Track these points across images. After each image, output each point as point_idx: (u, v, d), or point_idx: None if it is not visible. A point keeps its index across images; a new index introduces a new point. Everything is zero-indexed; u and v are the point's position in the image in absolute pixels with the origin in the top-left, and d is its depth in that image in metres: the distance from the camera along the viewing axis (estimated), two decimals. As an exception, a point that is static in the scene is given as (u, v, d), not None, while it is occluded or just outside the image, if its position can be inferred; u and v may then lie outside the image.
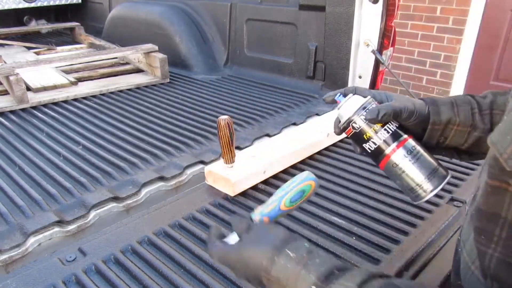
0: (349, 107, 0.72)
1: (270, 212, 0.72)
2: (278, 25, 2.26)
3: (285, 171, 1.37)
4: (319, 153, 1.48)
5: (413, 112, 0.70)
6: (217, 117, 1.24)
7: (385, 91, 0.76)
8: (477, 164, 1.38)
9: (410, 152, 0.70)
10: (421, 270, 0.97)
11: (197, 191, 1.28)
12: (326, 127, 1.53)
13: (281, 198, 0.71)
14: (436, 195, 1.21)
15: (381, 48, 1.84)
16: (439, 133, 0.72)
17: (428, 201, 1.17)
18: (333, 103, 0.77)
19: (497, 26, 3.73)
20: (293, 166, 1.40)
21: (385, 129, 0.70)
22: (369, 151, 0.72)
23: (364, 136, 0.71)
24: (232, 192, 1.22)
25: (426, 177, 0.69)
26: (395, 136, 0.70)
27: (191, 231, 1.07)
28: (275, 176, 1.33)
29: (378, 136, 0.70)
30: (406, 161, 0.69)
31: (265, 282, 0.60)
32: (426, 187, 0.70)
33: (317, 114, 1.86)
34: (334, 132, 0.78)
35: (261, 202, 1.20)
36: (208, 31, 2.62)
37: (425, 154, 0.70)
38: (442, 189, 1.16)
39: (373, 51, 1.83)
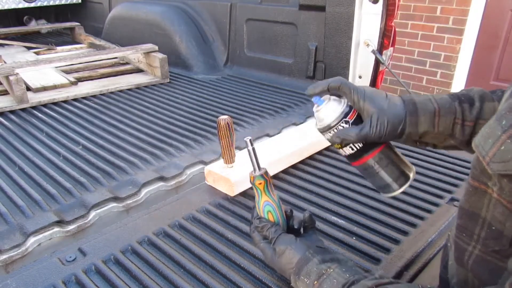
0: (325, 116, 0.73)
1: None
2: (278, 25, 2.25)
3: (285, 171, 1.36)
4: (319, 153, 1.48)
5: (382, 135, 0.70)
6: (217, 117, 1.24)
7: (371, 92, 0.73)
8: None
9: (379, 160, 0.74)
10: (421, 270, 0.97)
11: (197, 191, 1.28)
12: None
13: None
14: (436, 195, 1.22)
15: (381, 48, 1.84)
16: (415, 139, 0.73)
17: (428, 201, 1.19)
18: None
19: (497, 26, 3.73)
20: (293, 166, 1.40)
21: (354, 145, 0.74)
22: (343, 154, 0.77)
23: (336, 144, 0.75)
24: (232, 192, 1.22)
25: (393, 180, 0.76)
26: (366, 148, 0.74)
27: (191, 231, 1.07)
28: (275, 176, 1.33)
29: (346, 149, 0.75)
30: (376, 167, 0.75)
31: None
32: (394, 187, 0.77)
33: (317, 114, 1.85)
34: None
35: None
36: (208, 31, 2.62)
37: (392, 163, 0.75)
38: (442, 189, 1.19)
39: (373, 51, 1.83)
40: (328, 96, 0.74)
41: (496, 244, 0.51)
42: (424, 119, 0.70)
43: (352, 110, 0.72)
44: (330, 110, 0.72)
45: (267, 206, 0.82)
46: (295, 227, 0.82)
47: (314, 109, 0.75)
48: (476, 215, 0.53)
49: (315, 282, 0.66)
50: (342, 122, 0.71)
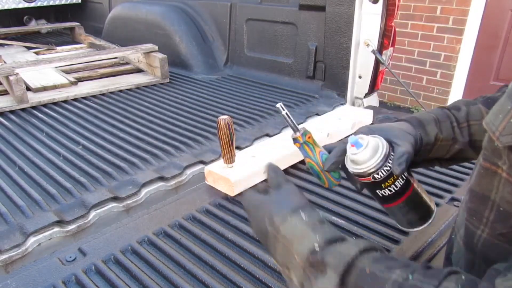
0: (370, 157, 0.72)
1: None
2: (278, 25, 2.25)
3: (285, 171, 1.37)
4: (319, 153, 1.48)
5: (415, 149, 0.74)
6: (217, 117, 1.24)
7: (386, 129, 0.76)
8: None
9: (412, 199, 0.77)
10: (421, 270, 0.97)
11: (197, 191, 1.28)
12: (326, 127, 1.53)
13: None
14: (436, 195, 1.22)
15: (381, 48, 1.84)
16: (428, 151, 0.78)
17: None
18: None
19: (497, 26, 3.73)
20: (293, 166, 1.40)
21: (401, 177, 0.75)
22: (382, 195, 0.77)
23: (383, 184, 0.75)
24: (232, 192, 1.22)
25: (420, 217, 0.80)
26: (407, 183, 0.76)
27: (191, 231, 1.07)
28: (275, 176, 1.33)
29: (395, 184, 0.75)
30: (406, 209, 0.78)
31: (271, 240, 0.64)
32: (420, 223, 0.81)
33: (317, 114, 1.86)
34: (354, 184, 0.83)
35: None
36: (208, 31, 2.62)
37: (424, 199, 0.80)
38: (442, 189, 1.19)
39: (373, 51, 1.83)
40: (363, 136, 0.74)
41: (503, 226, 0.52)
42: (430, 127, 0.76)
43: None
44: (374, 147, 0.72)
45: (323, 155, 0.83)
46: None
47: (349, 151, 0.74)
48: (487, 197, 0.53)
49: (316, 222, 0.61)
50: (388, 162, 0.72)
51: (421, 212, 0.80)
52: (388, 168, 0.72)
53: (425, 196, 0.80)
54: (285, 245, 0.61)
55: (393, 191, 0.75)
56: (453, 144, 0.77)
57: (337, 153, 0.78)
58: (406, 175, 0.76)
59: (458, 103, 0.81)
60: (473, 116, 0.77)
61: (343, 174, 0.83)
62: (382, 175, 0.73)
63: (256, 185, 0.79)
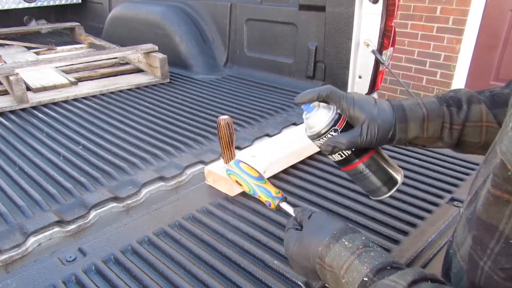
0: (314, 123, 0.74)
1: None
2: (278, 25, 2.25)
3: (285, 171, 1.37)
4: (319, 153, 1.48)
5: (372, 142, 0.71)
6: (217, 117, 1.24)
7: (361, 99, 0.73)
8: (477, 164, 1.38)
9: (369, 166, 0.76)
10: (421, 270, 0.97)
11: (197, 191, 1.28)
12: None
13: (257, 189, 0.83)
14: (436, 195, 1.22)
15: (381, 48, 1.84)
16: (404, 143, 0.74)
17: (428, 201, 1.19)
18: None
19: (497, 26, 3.73)
20: (293, 166, 1.40)
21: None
22: (333, 160, 0.77)
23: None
24: (232, 192, 1.22)
25: (382, 184, 0.77)
26: (356, 154, 0.75)
27: (191, 231, 1.07)
28: (275, 176, 1.33)
29: (335, 155, 0.75)
30: (365, 172, 0.76)
31: (319, 272, 0.64)
32: (383, 190, 0.78)
33: (317, 114, 1.85)
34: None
35: (261, 202, 1.20)
36: (208, 31, 2.62)
37: (382, 168, 0.77)
38: (442, 189, 1.19)
39: (373, 51, 1.83)
40: (317, 103, 0.74)
41: (508, 260, 0.48)
42: (414, 125, 0.71)
43: (341, 117, 0.73)
44: (319, 117, 0.73)
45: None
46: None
47: (304, 116, 0.76)
48: (494, 227, 0.49)
49: (360, 247, 0.60)
50: (332, 130, 0.72)
51: (380, 181, 0.77)
52: (334, 134, 0.72)
53: (386, 165, 0.77)
54: (333, 275, 0.61)
55: (342, 157, 0.75)
56: (436, 141, 0.73)
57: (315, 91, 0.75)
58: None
59: (461, 95, 0.73)
60: (472, 118, 0.71)
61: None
62: (319, 144, 0.75)
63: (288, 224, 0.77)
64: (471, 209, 0.56)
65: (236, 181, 0.86)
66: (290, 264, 0.72)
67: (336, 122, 0.72)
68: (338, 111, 0.73)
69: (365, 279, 0.56)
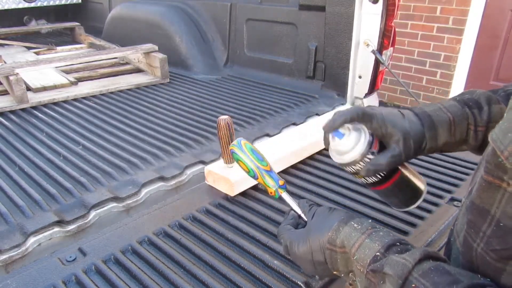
0: (349, 149, 0.69)
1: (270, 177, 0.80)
2: (278, 25, 2.25)
3: (285, 171, 1.37)
4: (319, 153, 1.48)
5: (410, 157, 0.70)
6: (217, 117, 1.24)
7: (389, 115, 0.70)
8: (477, 164, 1.38)
9: (400, 182, 0.74)
10: (421, 270, 0.97)
11: (197, 191, 1.28)
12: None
13: (258, 172, 0.80)
14: (436, 195, 1.22)
15: (381, 48, 1.84)
16: (435, 151, 0.74)
17: (428, 201, 1.19)
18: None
19: (497, 26, 3.73)
20: (293, 166, 1.40)
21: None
22: (366, 182, 0.75)
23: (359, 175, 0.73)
24: (232, 192, 1.22)
25: (410, 197, 0.77)
26: (392, 171, 0.72)
27: (191, 231, 1.07)
28: (275, 176, 1.33)
29: (371, 178, 0.72)
30: (396, 190, 0.75)
31: (329, 259, 0.66)
32: (410, 203, 0.78)
33: (317, 114, 1.86)
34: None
35: (261, 202, 1.20)
36: (208, 31, 2.62)
37: (410, 183, 0.76)
38: (442, 189, 1.19)
39: (373, 51, 1.83)
40: (346, 126, 0.70)
41: (499, 242, 0.51)
42: (442, 131, 0.70)
43: (374, 138, 0.69)
44: (353, 143, 0.68)
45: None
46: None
47: (333, 143, 0.71)
48: (486, 211, 0.52)
49: (369, 227, 0.63)
50: (369, 154, 0.68)
51: (409, 195, 0.77)
52: (372, 157, 0.69)
53: (414, 178, 0.76)
54: (344, 255, 0.63)
55: (376, 180, 0.72)
56: (462, 144, 0.72)
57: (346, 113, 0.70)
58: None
59: (478, 96, 0.72)
60: (494, 118, 0.69)
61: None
62: (358, 169, 0.71)
63: (285, 221, 0.76)
64: (470, 197, 0.58)
65: (238, 161, 0.83)
66: (297, 264, 0.72)
67: (371, 144, 0.68)
68: (370, 131, 0.69)
69: (377, 254, 0.59)
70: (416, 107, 0.74)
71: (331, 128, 0.70)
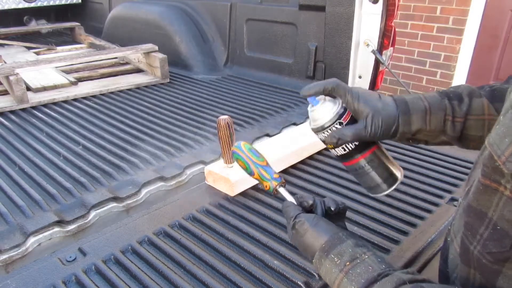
0: (319, 116, 0.74)
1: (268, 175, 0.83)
2: (278, 25, 2.25)
3: (285, 171, 1.37)
4: (319, 153, 1.48)
5: (376, 135, 0.71)
6: (217, 117, 1.24)
7: (365, 94, 0.73)
8: (477, 164, 1.38)
9: (370, 161, 0.76)
10: (421, 270, 0.97)
11: (197, 191, 1.28)
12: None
13: (254, 166, 0.83)
14: (436, 195, 1.22)
15: (381, 48, 1.84)
16: (408, 137, 0.74)
17: (428, 201, 1.19)
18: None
19: (497, 26, 3.73)
20: (293, 166, 1.40)
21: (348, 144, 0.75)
22: (335, 155, 0.78)
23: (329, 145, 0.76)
24: (232, 192, 1.22)
25: (383, 180, 0.77)
26: (363, 146, 0.75)
27: (191, 231, 1.07)
28: (275, 176, 1.33)
29: (339, 149, 0.75)
30: (367, 168, 0.76)
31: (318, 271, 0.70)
32: (383, 187, 0.78)
33: (317, 114, 1.85)
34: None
35: (261, 202, 1.20)
36: (208, 31, 2.62)
37: (383, 164, 0.77)
38: (442, 189, 1.19)
39: (373, 51, 1.83)
40: (323, 97, 0.74)
41: (495, 245, 0.51)
42: (416, 118, 0.72)
43: (347, 111, 0.73)
44: (325, 110, 0.73)
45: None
46: (332, 208, 0.79)
47: (309, 109, 0.76)
48: (484, 214, 0.52)
49: (347, 263, 0.63)
50: (337, 123, 0.72)
51: (381, 177, 0.77)
52: (339, 127, 0.72)
53: (387, 162, 0.77)
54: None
55: (344, 152, 0.75)
56: (439, 135, 0.74)
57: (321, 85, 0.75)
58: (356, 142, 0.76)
59: (461, 90, 0.75)
60: (474, 111, 0.72)
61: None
62: (324, 137, 0.75)
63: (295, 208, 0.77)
64: (467, 199, 0.58)
65: (237, 160, 0.85)
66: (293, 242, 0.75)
67: (341, 116, 0.72)
68: (344, 105, 0.73)
69: None
70: (397, 95, 0.76)
71: (306, 92, 0.74)
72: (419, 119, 0.72)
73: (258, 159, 0.83)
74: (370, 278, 0.60)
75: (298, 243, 0.73)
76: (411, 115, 0.72)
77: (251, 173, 0.83)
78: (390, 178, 0.77)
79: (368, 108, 0.71)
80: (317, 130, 0.75)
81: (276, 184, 0.81)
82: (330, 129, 0.73)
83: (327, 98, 0.75)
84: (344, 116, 0.73)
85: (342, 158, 0.77)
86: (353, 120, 0.73)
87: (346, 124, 0.72)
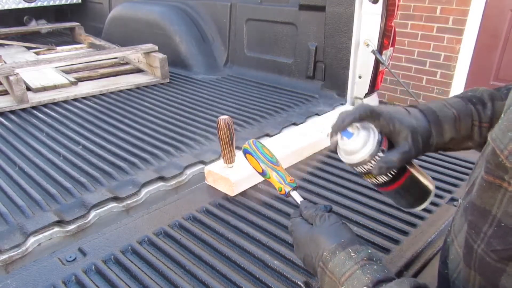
0: (358, 149, 0.67)
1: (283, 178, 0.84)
2: (278, 25, 2.25)
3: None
4: (319, 153, 1.48)
5: (419, 153, 0.69)
6: (217, 117, 1.24)
7: (396, 113, 0.69)
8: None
9: (410, 182, 0.73)
10: (421, 270, 0.97)
11: (197, 191, 1.28)
12: (326, 127, 1.53)
13: (269, 169, 0.85)
14: (436, 195, 1.22)
15: (381, 48, 1.84)
16: (440, 147, 0.73)
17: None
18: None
19: (497, 26, 3.73)
20: (293, 166, 1.40)
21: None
22: (375, 183, 0.73)
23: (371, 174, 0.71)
24: (232, 192, 1.22)
25: (419, 197, 0.76)
26: (401, 171, 0.71)
27: (191, 231, 1.07)
28: (275, 176, 1.33)
29: (381, 177, 0.70)
30: (405, 190, 0.73)
31: (318, 272, 0.66)
32: (419, 203, 0.77)
33: (317, 114, 1.86)
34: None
35: (261, 202, 1.20)
36: (208, 31, 2.62)
37: (421, 181, 0.74)
38: (442, 189, 1.19)
39: (373, 51, 1.83)
40: (354, 125, 0.68)
41: (500, 243, 0.50)
42: (448, 127, 0.70)
43: (383, 136, 0.68)
44: (362, 141, 0.67)
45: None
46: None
47: (340, 142, 0.69)
48: (487, 211, 0.52)
49: (365, 258, 0.62)
50: (379, 152, 0.66)
51: (418, 195, 0.75)
52: (382, 155, 0.67)
53: (423, 178, 0.75)
54: (331, 282, 0.63)
55: (384, 180, 0.70)
56: (466, 141, 0.71)
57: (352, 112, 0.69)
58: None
59: (482, 94, 0.72)
60: (498, 114, 0.68)
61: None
62: (369, 168, 0.69)
63: (301, 212, 0.77)
64: (468, 198, 0.58)
65: (250, 160, 0.86)
66: (294, 247, 0.74)
67: (380, 143, 0.67)
68: (378, 129, 0.68)
69: (364, 287, 0.58)
70: (420, 104, 0.73)
71: (341, 128, 0.68)
72: (451, 128, 0.70)
73: (274, 164, 0.85)
74: (387, 277, 0.59)
75: (316, 232, 0.69)
76: (442, 125, 0.70)
77: (265, 176, 0.84)
78: (426, 193, 0.76)
79: (405, 128, 0.68)
80: (358, 164, 0.69)
81: (290, 188, 0.82)
82: (374, 159, 0.67)
83: (359, 125, 0.68)
84: (383, 142, 0.67)
85: (383, 185, 0.73)
86: (390, 143, 0.69)
87: (387, 150, 0.67)
